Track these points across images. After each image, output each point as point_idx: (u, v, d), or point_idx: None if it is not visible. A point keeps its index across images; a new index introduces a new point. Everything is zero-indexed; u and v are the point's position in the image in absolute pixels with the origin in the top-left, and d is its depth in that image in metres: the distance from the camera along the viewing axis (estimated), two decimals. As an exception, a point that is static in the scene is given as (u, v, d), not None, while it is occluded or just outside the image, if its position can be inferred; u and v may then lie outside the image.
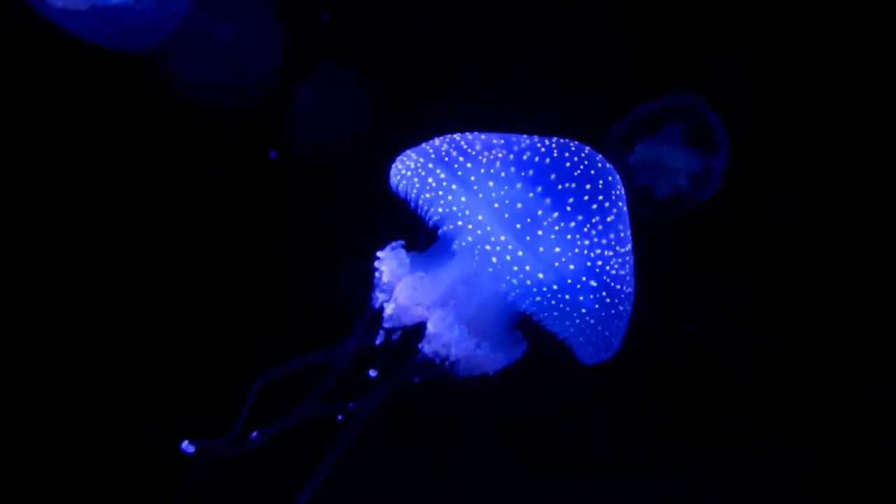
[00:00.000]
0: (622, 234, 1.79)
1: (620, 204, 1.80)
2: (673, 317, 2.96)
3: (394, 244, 1.85)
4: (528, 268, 1.65)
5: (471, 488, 2.82)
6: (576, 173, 1.74)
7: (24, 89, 2.65)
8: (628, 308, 1.83)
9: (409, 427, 2.71)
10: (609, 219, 1.76)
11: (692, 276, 2.99)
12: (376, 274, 1.84)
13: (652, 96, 2.95)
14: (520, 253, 1.64)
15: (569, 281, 1.68)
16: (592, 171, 1.76)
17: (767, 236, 2.97)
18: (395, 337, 1.89)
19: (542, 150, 1.76)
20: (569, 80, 2.94)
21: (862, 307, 2.93)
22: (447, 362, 1.81)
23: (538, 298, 1.68)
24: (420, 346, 1.79)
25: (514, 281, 1.66)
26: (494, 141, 1.79)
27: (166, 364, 2.85)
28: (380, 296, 1.84)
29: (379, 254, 1.84)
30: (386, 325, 1.83)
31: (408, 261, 1.84)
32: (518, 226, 1.66)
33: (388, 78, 2.90)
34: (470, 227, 1.67)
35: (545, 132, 1.85)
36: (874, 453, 2.85)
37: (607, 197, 1.76)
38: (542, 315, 1.71)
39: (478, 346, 1.80)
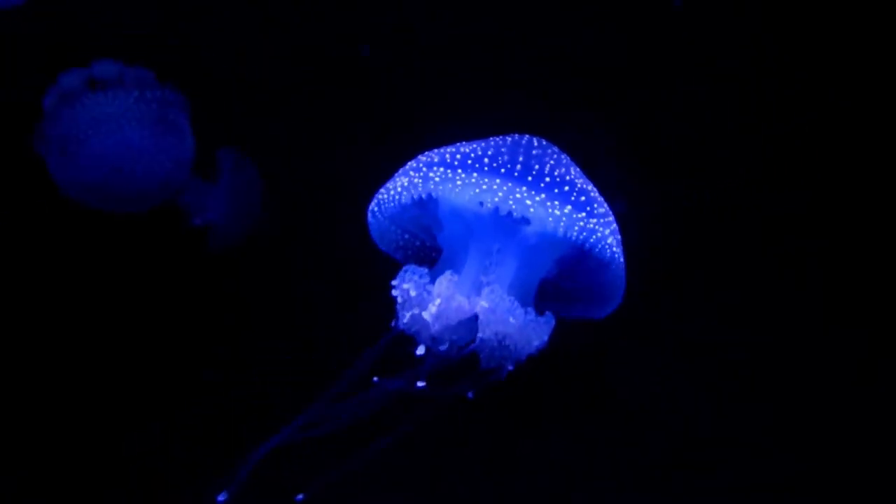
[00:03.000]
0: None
1: None
2: (673, 316, 2.96)
3: (405, 267, 1.89)
4: (549, 203, 1.78)
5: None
6: (534, 142, 1.91)
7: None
8: (617, 238, 1.93)
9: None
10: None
11: (692, 276, 2.99)
12: (398, 297, 1.86)
13: (653, 98, 2.96)
14: (538, 197, 1.78)
15: (582, 197, 1.83)
16: (542, 140, 1.93)
17: (767, 236, 2.97)
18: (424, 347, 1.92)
19: (496, 138, 1.92)
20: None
21: (862, 307, 2.94)
22: (504, 343, 1.84)
23: (562, 231, 1.79)
24: (478, 334, 1.82)
25: (538, 224, 1.78)
26: (457, 146, 1.91)
27: (168, 363, 2.86)
28: (408, 314, 1.86)
29: (394, 282, 1.87)
30: (434, 328, 1.84)
31: (426, 271, 1.88)
32: (529, 178, 1.81)
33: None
34: (491, 195, 1.78)
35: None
36: (874, 453, 2.85)
37: (559, 154, 1.93)
38: (555, 256, 1.86)
39: (527, 313, 1.85)
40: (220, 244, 2.68)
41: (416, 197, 1.84)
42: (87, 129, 2.42)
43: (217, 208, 2.65)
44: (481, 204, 1.77)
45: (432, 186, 1.80)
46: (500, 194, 1.77)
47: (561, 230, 1.77)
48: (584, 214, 1.80)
